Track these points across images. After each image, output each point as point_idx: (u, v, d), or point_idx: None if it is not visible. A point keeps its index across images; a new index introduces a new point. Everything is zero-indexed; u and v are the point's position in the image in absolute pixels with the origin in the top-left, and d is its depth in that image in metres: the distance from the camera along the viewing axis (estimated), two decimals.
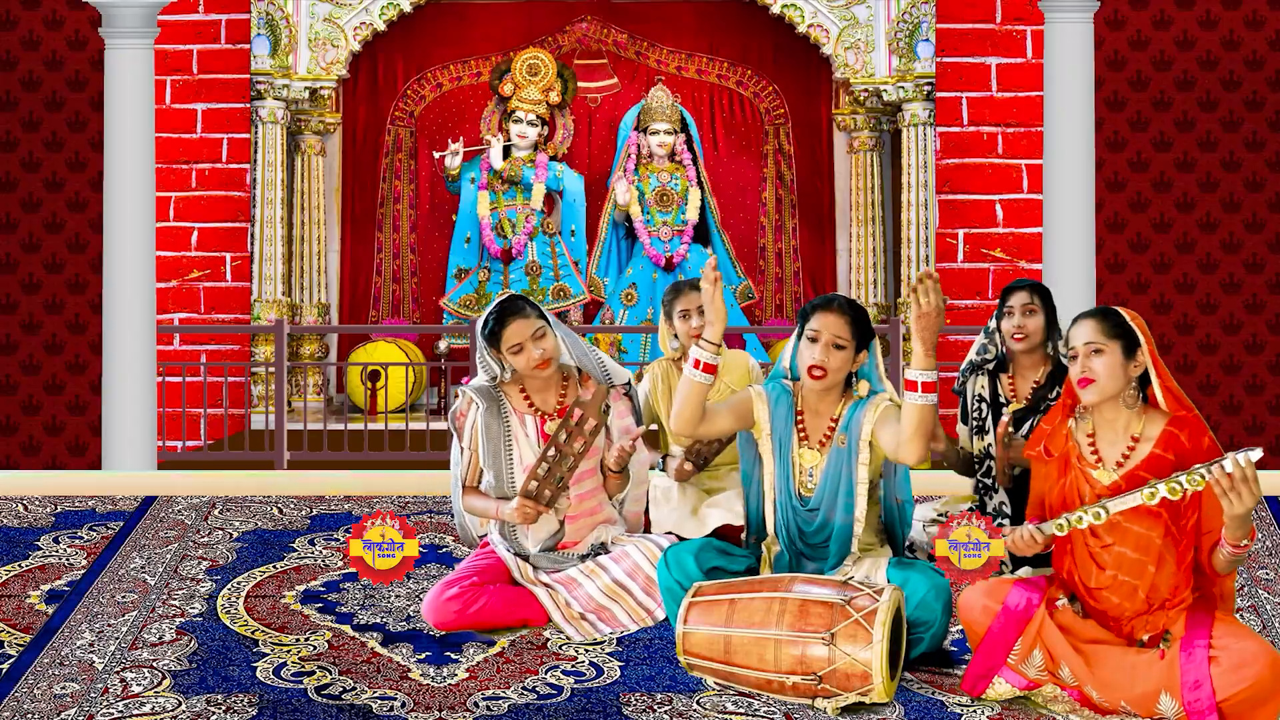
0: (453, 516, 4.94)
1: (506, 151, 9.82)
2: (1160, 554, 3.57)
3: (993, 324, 5.09)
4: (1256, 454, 3.35)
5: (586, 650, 4.04)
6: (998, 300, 5.07)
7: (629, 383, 4.49)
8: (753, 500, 4.24)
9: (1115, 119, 8.34)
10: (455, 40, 10.29)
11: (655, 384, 5.23)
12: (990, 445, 4.96)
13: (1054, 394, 4.94)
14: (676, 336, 5.20)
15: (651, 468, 5.14)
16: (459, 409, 4.43)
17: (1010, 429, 4.85)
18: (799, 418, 4.11)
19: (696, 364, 3.99)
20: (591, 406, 4.26)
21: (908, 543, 4.88)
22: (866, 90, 9.78)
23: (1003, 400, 5.02)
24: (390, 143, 10.32)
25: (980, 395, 5.06)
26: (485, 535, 4.55)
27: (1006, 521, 4.89)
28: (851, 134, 10.07)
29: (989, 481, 4.96)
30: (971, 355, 5.14)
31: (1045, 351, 5.01)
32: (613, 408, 4.41)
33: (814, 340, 4.00)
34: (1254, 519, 3.42)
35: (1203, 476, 3.39)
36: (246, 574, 4.76)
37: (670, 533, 4.77)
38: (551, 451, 4.26)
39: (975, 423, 5.05)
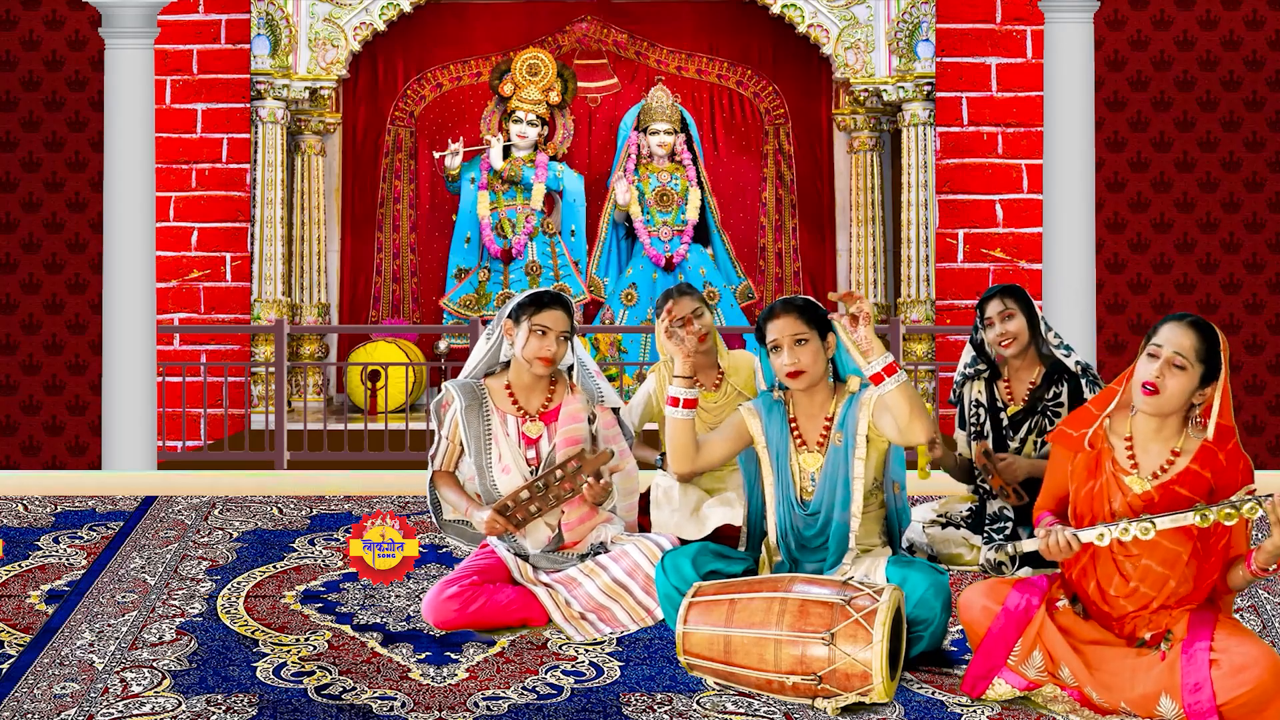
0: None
1: (506, 151, 9.82)
2: (1183, 569, 3.55)
3: (976, 336, 5.06)
4: None
5: (586, 650, 4.03)
6: (975, 312, 5.04)
7: (618, 409, 4.56)
8: (754, 507, 4.25)
9: (1115, 119, 8.34)
10: (455, 40, 10.29)
11: (661, 384, 5.22)
12: (988, 451, 4.92)
13: (1051, 395, 4.93)
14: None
15: (651, 466, 5.14)
16: (443, 399, 4.53)
17: (986, 452, 4.85)
18: (793, 425, 4.12)
19: (675, 402, 4.01)
20: (590, 464, 4.32)
21: (907, 543, 4.88)
22: (866, 90, 9.77)
23: (1000, 405, 5.01)
24: (390, 143, 10.32)
25: (977, 400, 5.04)
26: (465, 522, 4.59)
27: (1009, 525, 4.88)
28: (851, 134, 10.07)
29: (988, 487, 4.94)
30: (962, 368, 5.12)
31: (1037, 350, 4.98)
32: (599, 417, 4.47)
33: (777, 348, 4.03)
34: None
35: (1258, 505, 3.37)
36: (246, 574, 4.76)
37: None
38: (539, 484, 4.32)
39: (973, 428, 5.04)
